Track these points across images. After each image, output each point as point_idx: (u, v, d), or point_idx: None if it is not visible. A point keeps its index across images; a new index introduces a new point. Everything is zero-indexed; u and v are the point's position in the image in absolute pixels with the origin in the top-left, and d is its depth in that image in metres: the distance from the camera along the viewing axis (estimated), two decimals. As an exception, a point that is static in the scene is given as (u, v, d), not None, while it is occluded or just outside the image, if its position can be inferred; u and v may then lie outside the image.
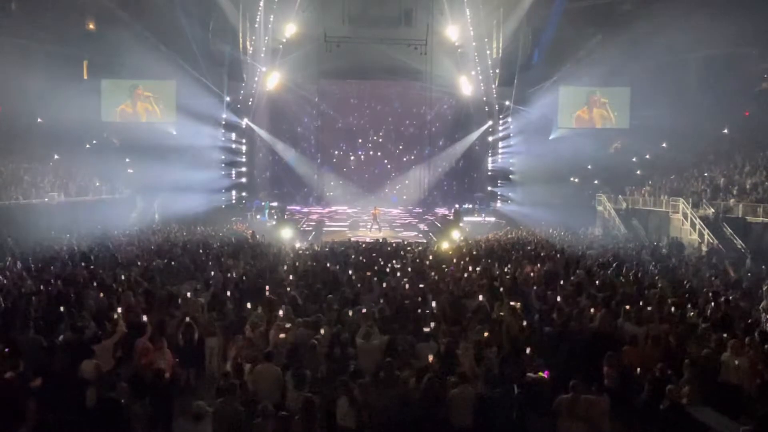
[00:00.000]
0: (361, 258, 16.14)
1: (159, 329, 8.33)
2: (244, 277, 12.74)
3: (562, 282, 12.22)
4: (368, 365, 7.30)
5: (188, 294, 10.64)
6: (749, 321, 9.03)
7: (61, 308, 9.03)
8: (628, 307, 9.42)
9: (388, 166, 38.17)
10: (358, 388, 6.46)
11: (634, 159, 32.04)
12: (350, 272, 13.36)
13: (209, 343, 8.35)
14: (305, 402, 5.96)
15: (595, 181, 31.51)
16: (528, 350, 7.41)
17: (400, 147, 38.23)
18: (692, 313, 9.47)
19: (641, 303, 9.93)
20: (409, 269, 14.16)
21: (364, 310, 9.19)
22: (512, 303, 9.99)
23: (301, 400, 6.02)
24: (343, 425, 6.23)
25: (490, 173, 35.72)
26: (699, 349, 7.49)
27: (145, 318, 8.54)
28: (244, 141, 34.49)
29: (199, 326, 8.64)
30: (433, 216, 34.04)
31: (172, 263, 14.58)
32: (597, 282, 12.34)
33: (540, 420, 6.38)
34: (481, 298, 10.45)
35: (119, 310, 8.89)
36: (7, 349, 7.00)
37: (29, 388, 6.51)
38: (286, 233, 24.82)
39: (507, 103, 32.87)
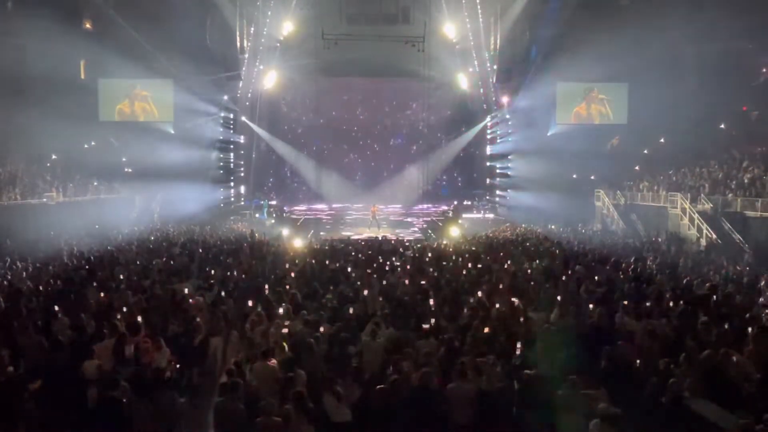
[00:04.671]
0: (360, 255, 16.15)
1: (159, 328, 8.33)
2: (244, 276, 12.76)
3: (564, 278, 12.24)
4: (373, 364, 7.30)
5: (186, 291, 10.66)
6: (747, 315, 9.05)
7: (56, 308, 9.04)
8: (626, 302, 9.45)
9: (387, 164, 38.14)
10: (355, 386, 6.51)
11: (632, 154, 32.05)
12: (349, 270, 13.38)
13: (213, 342, 8.35)
14: (295, 396, 5.99)
15: (592, 177, 31.55)
16: (519, 345, 7.43)
17: (399, 144, 38.20)
18: (691, 307, 9.48)
19: (640, 298, 9.95)
20: (408, 266, 14.17)
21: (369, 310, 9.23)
22: (512, 299, 10.02)
23: (292, 396, 6.05)
24: (336, 421, 6.26)
25: (488, 169, 35.72)
26: (698, 344, 7.51)
27: (139, 318, 8.55)
28: (242, 140, 34.45)
29: (203, 325, 8.65)
30: (433, 213, 34.07)
31: (171, 262, 14.59)
32: (596, 277, 12.37)
33: (539, 415, 6.40)
34: (480, 294, 10.48)
35: (124, 309, 8.91)
36: (5, 351, 7.01)
37: (28, 388, 6.51)
38: (285, 231, 24.85)
39: (505, 99, 32.86)
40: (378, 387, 6.45)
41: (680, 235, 21.93)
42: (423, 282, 11.70)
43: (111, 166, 29.58)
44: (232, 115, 33.11)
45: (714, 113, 29.43)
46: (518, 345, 7.51)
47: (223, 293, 10.72)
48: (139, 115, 31.53)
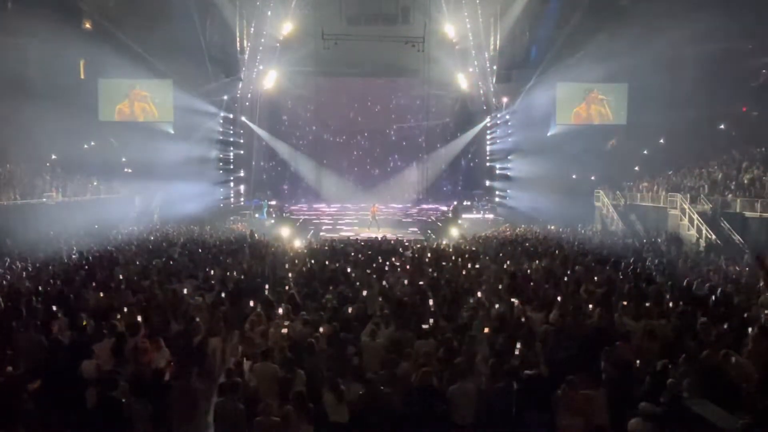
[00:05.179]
0: (359, 256, 16.15)
1: (159, 328, 8.33)
2: (243, 276, 12.76)
3: (566, 278, 12.24)
4: (373, 364, 7.30)
5: (186, 291, 10.67)
6: (746, 315, 9.05)
7: (54, 308, 9.04)
8: (625, 302, 9.46)
9: (387, 164, 38.15)
10: (357, 385, 6.50)
11: (631, 155, 32.09)
12: (349, 270, 13.38)
13: (212, 342, 8.36)
14: (295, 396, 6.00)
15: (592, 177, 31.57)
16: (519, 345, 7.44)
17: (398, 144, 38.21)
18: (690, 308, 9.48)
19: (640, 298, 9.95)
20: (408, 266, 14.18)
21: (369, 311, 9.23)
22: (511, 299, 10.02)
23: (292, 396, 6.06)
24: (334, 421, 6.26)
25: (488, 170, 35.73)
26: (697, 344, 7.52)
27: (139, 318, 8.56)
28: (242, 140, 34.46)
29: (202, 326, 8.66)
30: (432, 213, 34.08)
31: (171, 262, 14.59)
32: (596, 278, 12.37)
33: (539, 415, 6.40)
34: (479, 294, 10.49)
35: (124, 309, 8.91)
36: (8, 350, 7.03)
37: (27, 388, 6.51)
38: (285, 231, 24.85)
39: (505, 99, 32.88)
40: (378, 387, 6.45)
41: (680, 235, 21.93)
42: (421, 282, 11.70)
43: (111, 166, 29.59)
44: (231, 115, 33.11)
45: (714, 114, 29.44)
46: (518, 345, 7.51)
47: (222, 294, 10.72)
48: (139, 115, 31.53)
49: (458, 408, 6.43)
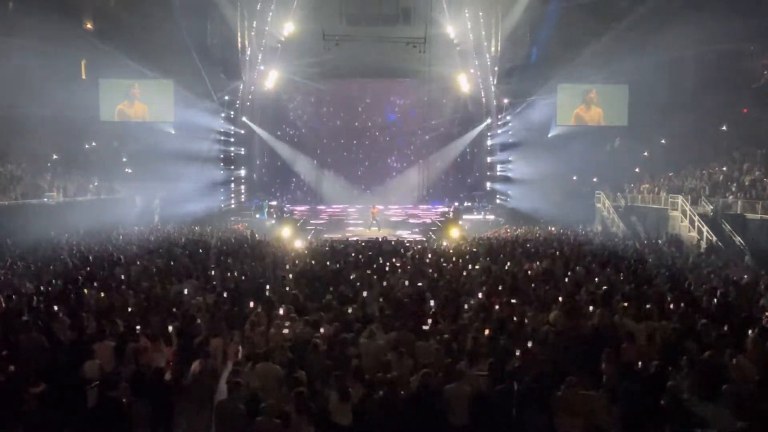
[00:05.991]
0: (360, 257, 16.15)
1: (159, 329, 8.34)
2: (243, 276, 12.77)
3: (566, 280, 12.23)
4: (372, 364, 7.31)
5: (186, 291, 10.68)
6: (744, 316, 9.04)
7: (55, 308, 9.04)
8: (626, 304, 9.46)
9: (387, 165, 38.17)
10: (357, 386, 6.50)
11: (632, 156, 32.09)
12: (350, 273, 13.38)
13: (213, 343, 8.36)
14: (296, 397, 6.00)
15: (594, 179, 31.56)
16: (519, 346, 7.43)
17: (399, 145, 38.23)
18: (690, 309, 9.48)
19: (640, 300, 9.96)
20: (409, 267, 14.17)
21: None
22: (512, 300, 10.02)
23: (293, 396, 6.06)
24: (336, 422, 6.25)
25: (489, 171, 35.73)
26: (698, 345, 7.52)
27: (139, 318, 8.56)
28: (242, 140, 34.45)
29: (203, 326, 8.66)
30: (433, 214, 34.09)
31: (172, 263, 14.60)
32: (596, 279, 12.37)
33: (538, 416, 6.40)
34: (480, 295, 10.49)
35: (127, 309, 8.92)
36: (6, 351, 7.03)
37: (29, 389, 6.51)
38: (286, 232, 24.84)
39: (505, 100, 32.88)
40: (378, 389, 6.45)
41: (680, 237, 21.92)
42: (420, 284, 11.70)
43: (111, 166, 29.60)
44: (232, 115, 33.12)
45: (715, 115, 29.42)
46: (519, 347, 7.50)
47: (223, 294, 10.73)
48: (139, 115, 31.53)
49: (453, 408, 6.42)
